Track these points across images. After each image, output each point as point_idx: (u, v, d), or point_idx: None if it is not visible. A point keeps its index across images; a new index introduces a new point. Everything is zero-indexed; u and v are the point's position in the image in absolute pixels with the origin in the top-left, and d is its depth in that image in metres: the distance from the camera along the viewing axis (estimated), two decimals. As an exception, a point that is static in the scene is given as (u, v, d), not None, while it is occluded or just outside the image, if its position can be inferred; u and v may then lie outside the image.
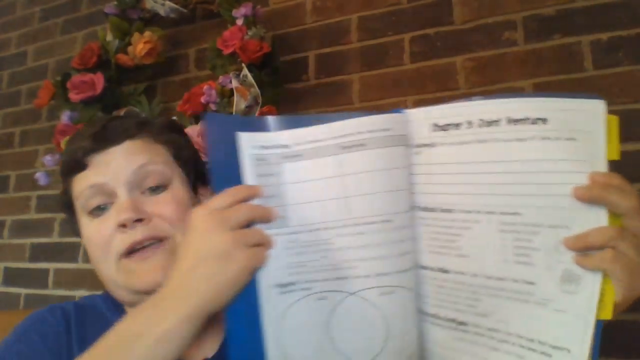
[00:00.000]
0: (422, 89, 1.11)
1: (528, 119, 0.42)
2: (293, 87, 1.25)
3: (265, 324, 0.47)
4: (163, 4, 1.35)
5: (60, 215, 1.52)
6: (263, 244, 0.45)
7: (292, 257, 0.47)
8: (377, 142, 0.47)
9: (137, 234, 0.55)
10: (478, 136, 0.44)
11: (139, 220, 0.56)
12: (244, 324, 0.46)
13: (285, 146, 0.48)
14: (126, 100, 1.40)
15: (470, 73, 1.07)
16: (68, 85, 1.33)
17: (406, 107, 1.11)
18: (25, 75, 1.76)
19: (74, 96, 1.31)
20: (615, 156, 0.41)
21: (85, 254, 1.43)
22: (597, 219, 0.40)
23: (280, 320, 0.47)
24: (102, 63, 1.37)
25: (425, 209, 0.48)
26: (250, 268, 0.43)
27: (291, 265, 0.47)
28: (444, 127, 0.47)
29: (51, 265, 1.49)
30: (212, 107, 1.13)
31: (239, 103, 1.10)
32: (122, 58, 1.35)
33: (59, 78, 1.38)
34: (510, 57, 1.04)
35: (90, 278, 1.41)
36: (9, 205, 1.64)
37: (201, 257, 0.42)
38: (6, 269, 1.58)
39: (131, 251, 0.56)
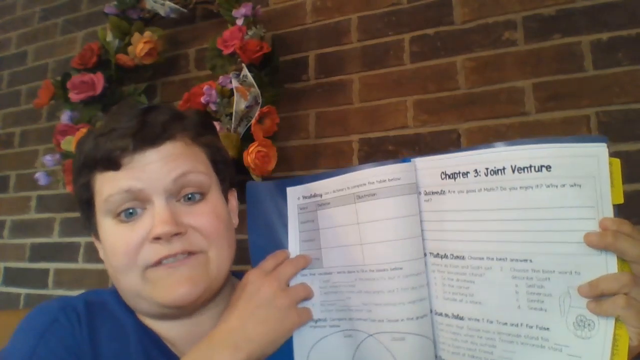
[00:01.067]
0: (422, 89, 1.11)
1: (532, 167, 0.43)
2: (293, 87, 1.25)
3: (295, 353, 0.52)
4: (163, 4, 1.35)
5: (60, 215, 1.52)
6: (307, 296, 0.54)
7: (324, 295, 0.53)
8: (388, 191, 0.49)
9: (172, 246, 0.52)
10: (485, 185, 0.46)
11: (176, 234, 0.52)
12: (277, 352, 0.50)
13: (319, 195, 0.54)
14: (126, 100, 1.40)
15: (470, 73, 1.07)
16: (68, 85, 1.33)
17: (406, 107, 1.12)
18: (25, 75, 1.76)
19: (74, 96, 1.31)
20: (620, 200, 0.41)
21: (86, 253, 1.43)
22: (606, 264, 0.41)
23: (309, 351, 0.52)
24: (102, 63, 1.37)
25: (437, 256, 0.49)
26: (299, 325, 0.52)
27: (323, 303, 0.53)
28: (452, 176, 0.48)
29: (51, 265, 1.49)
30: (212, 107, 1.13)
31: (239, 103, 1.10)
32: (122, 58, 1.35)
33: (59, 78, 1.39)
34: (510, 57, 1.03)
35: (90, 278, 1.41)
36: (9, 205, 1.64)
37: (261, 306, 0.50)
38: (6, 269, 1.58)
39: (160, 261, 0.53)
